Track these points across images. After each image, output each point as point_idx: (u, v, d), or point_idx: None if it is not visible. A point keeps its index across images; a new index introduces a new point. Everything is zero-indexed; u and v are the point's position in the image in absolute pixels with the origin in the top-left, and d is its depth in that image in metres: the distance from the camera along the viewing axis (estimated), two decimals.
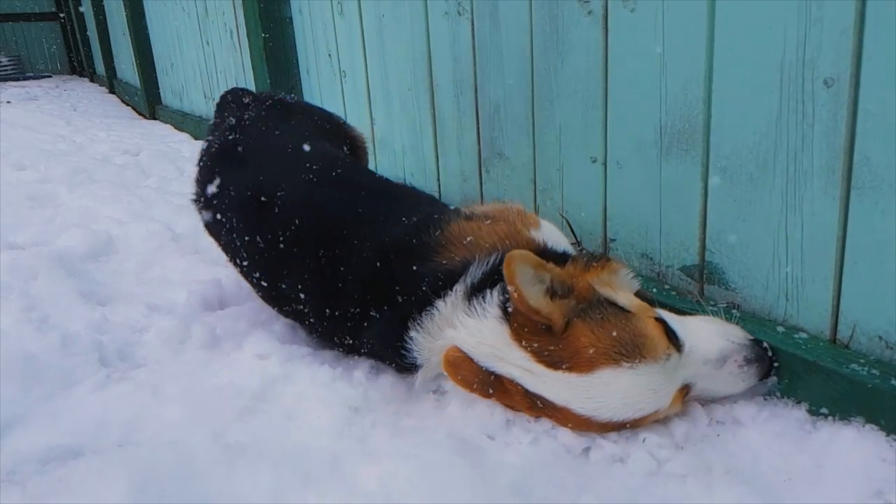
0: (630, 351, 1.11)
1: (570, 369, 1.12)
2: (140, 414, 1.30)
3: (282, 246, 1.45)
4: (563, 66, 1.65)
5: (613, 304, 1.18)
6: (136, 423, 1.26)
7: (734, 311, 1.36)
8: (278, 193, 1.51)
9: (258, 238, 1.50)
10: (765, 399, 1.25)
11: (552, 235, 1.43)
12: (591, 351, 1.11)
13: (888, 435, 1.09)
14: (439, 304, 1.24)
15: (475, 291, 1.23)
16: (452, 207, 1.54)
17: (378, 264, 1.33)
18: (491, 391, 1.21)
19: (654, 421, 1.18)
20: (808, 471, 1.09)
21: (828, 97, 1.15)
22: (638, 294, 1.31)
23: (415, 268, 1.29)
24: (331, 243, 1.40)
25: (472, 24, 1.92)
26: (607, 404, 1.12)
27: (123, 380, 1.43)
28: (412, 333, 1.26)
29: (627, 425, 1.15)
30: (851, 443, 1.10)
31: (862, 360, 1.15)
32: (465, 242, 1.32)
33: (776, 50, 1.20)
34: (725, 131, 1.32)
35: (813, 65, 1.15)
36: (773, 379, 1.25)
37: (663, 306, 1.30)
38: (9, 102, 7.24)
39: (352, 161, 1.90)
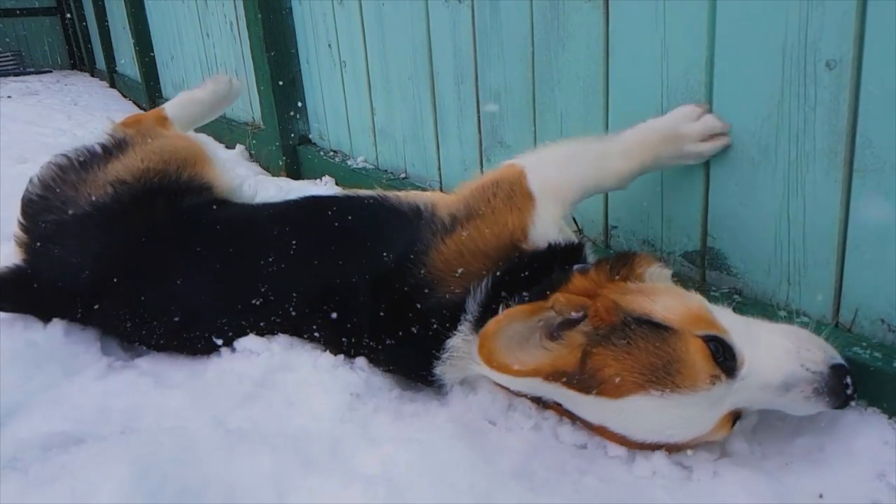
0: (662, 379, 0.98)
1: (600, 394, 1.03)
2: (141, 401, 1.30)
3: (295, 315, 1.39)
4: (563, 51, 1.64)
5: (647, 322, 1.03)
6: (137, 410, 1.27)
7: (736, 296, 1.36)
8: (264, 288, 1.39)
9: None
10: None
11: (551, 220, 1.26)
12: (617, 380, 1.01)
13: (890, 418, 1.09)
14: (451, 342, 1.17)
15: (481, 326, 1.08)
16: (422, 211, 1.37)
17: (383, 304, 1.26)
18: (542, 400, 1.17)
19: (696, 445, 1.07)
20: (811, 454, 1.09)
21: (830, 79, 1.14)
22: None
23: (419, 307, 1.21)
24: (329, 300, 1.33)
25: (473, 11, 1.91)
26: (639, 429, 1.04)
27: (125, 368, 1.44)
28: (436, 367, 1.21)
29: (664, 448, 1.07)
30: (853, 426, 1.10)
31: (864, 344, 1.15)
32: (457, 275, 1.21)
33: (778, 33, 1.19)
34: (727, 116, 1.31)
35: (815, 47, 1.15)
36: None
37: None
38: (9, 97, 7.23)
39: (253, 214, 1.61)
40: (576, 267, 1.17)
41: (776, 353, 1.01)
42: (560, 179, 1.30)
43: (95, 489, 1.00)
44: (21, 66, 11.02)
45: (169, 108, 2.04)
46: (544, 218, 1.25)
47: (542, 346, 1.04)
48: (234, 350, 1.44)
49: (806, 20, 1.15)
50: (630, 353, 1.01)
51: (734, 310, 1.15)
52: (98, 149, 1.67)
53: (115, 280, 1.45)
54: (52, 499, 0.99)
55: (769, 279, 1.31)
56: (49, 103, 6.80)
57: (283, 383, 1.31)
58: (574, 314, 1.06)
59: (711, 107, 1.33)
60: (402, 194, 1.48)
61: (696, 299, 1.10)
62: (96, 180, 1.57)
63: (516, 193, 1.26)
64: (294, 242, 1.40)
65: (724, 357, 1.00)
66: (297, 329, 1.42)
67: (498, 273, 1.18)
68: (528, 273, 1.17)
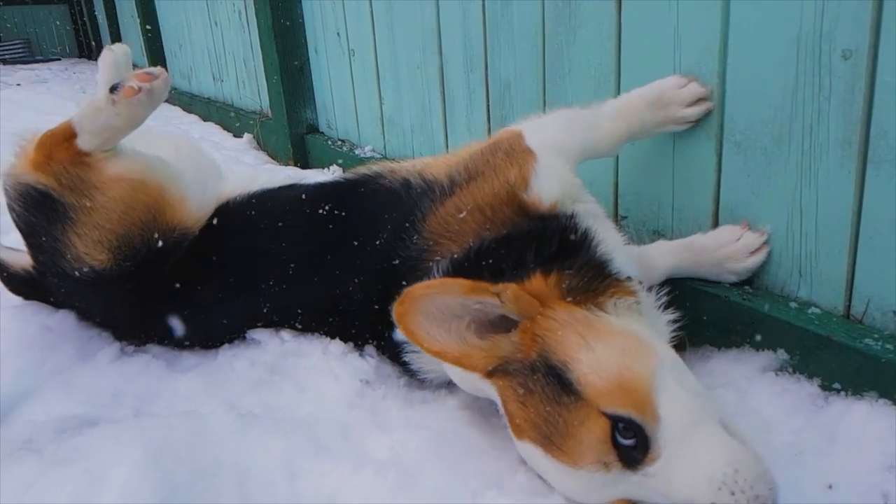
0: (546, 444, 0.91)
1: (508, 425, 0.99)
2: (154, 385, 1.32)
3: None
4: (575, 40, 1.63)
5: (556, 376, 0.90)
6: (150, 394, 1.28)
7: (746, 287, 1.36)
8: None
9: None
10: (777, 374, 1.24)
11: (553, 172, 1.20)
12: (516, 420, 0.95)
13: None
14: None
15: None
16: (412, 183, 1.32)
17: (380, 289, 1.21)
18: None
19: None
20: (820, 445, 1.09)
21: (845, 69, 1.13)
22: None
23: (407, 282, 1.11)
24: (335, 309, 1.34)
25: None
26: (538, 471, 0.98)
27: (138, 353, 1.45)
28: (408, 354, 1.18)
29: None
30: (864, 417, 1.10)
31: (876, 335, 1.14)
32: (452, 237, 1.14)
33: (793, 22, 1.18)
34: (740, 105, 1.30)
35: (830, 36, 1.14)
36: (786, 355, 1.25)
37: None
38: (18, 85, 7.25)
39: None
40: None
41: (698, 473, 0.83)
42: (558, 136, 1.29)
43: (110, 470, 1.01)
44: (29, 53, 11.04)
45: (82, 140, 1.36)
46: (546, 168, 1.20)
47: (463, 336, 0.95)
48: (244, 337, 1.46)
49: (822, 9, 1.14)
50: (524, 405, 0.92)
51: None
52: (40, 200, 1.33)
53: (123, 323, 1.48)
54: (67, 479, 1.01)
55: (780, 270, 1.31)
56: (58, 91, 6.82)
57: (294, 369, 1.32)
58: (515, 316, 0.96)
59: (724, 96, 1.33)
60: (393, 170, 1.40)
61: (647, 362, 0.91)
62: (72, 249, 1.34)
63: (516, 150, 1.23)
64: (292, 260, 1.37)
65: (634, 445, 0.86)
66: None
67: (494, 235, 1.10)
68: (523, 243, 1.08)
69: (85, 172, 1.34)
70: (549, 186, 1.18)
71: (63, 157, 1.34)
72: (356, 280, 1.28)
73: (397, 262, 1.20)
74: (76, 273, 1.34)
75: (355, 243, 1.30)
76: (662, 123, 1.37)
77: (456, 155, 1.33)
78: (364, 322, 1.31)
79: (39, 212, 1.33)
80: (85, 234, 1.32)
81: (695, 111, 1.34)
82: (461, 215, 1.16)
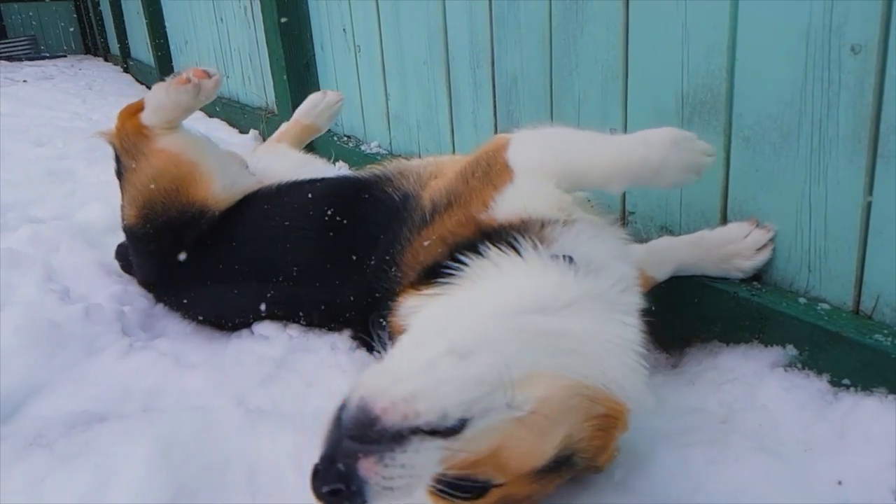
0: None
1: None
2: (163, 381, 1.32)
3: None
4: (582, 35, 1.63)
5: None
6: (159, 389, 1.29)
7: (755, 282, 1.35)
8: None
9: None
10: (786, 370, 1.24)
11: (527, 194, 1.11)
12: None
13: None
14: None
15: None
16: (410, 198, 1.30)
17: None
18: None
19: None
20: (829, 441, 1.08)
21: (855, 64, 1.12)
22: None
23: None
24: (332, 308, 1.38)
25: None
26: None
27: (146, 349, 1.46)
28: None
29: None
30: (873, 413, 1.09)
31: (885, 331, 1.14)
32: (418, 269, 1.12)
33: (802, 16, 1.17)
34: (748, 100, 1.30)
35: (840, 31, 1.13)
36: (794, 351, 1.25)
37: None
38: (25, 81, 7.28)
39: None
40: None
41: None
42: (546, 150, 1.17)
43: (120, 465, 1.01)
44: (36, 50, 11.07)
45: (145, 114, 1.61)
46: (516, 189, 1.11)
47: None
48: (252, 332, 1.46)
49: (831, 4, 1.13)
50: None
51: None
52: (115, 158, 1.66)
53: (153, 283, 1.64)
54: (78, 474, 1.01)
55: (789, 265, 1.30)
56: (64, 87, 6.84)
57: (302, 364, 1.32)
58: None
59: (732, 91, 1.32)
60: (402, 172, 1.39)
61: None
62: (123, 203, 1.62)
63: (492, 168, 1.15)
64: (295, 262, 1.40)
65: None
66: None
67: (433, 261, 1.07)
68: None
69: (141, 141, 1.58)
70: (510, 206, 1.10)
71: (129, 127, 1.61)
72: (352, 298, 1.32)
73: (379, 294, 1.19)
74: (123, 224, 1.61)
75: (353, 257, 1.32)
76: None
77: (452, 169, 1.28)
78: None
79: (117, 168, 1.63)
80: (127, 190, 1.58)
81: None
82: (426, 244, 1.13)
